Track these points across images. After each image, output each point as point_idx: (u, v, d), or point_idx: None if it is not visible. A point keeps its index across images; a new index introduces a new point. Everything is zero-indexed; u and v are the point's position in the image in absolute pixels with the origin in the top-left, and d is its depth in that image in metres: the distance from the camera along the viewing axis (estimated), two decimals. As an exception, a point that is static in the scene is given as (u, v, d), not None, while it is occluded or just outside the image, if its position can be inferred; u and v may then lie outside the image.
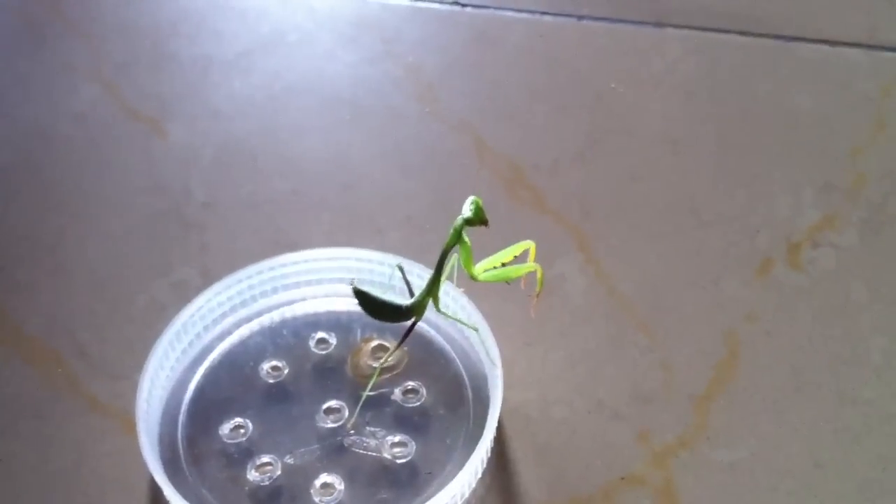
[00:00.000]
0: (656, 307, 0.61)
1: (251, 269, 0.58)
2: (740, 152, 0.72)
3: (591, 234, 0.66)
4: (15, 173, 0.72)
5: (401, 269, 0.54)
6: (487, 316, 0.55)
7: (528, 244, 0.50)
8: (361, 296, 0.51)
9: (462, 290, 0.55)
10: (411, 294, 0.52)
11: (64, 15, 0.84)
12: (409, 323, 0.53)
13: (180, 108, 0.75)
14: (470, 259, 0.50)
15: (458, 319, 0.54)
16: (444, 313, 0.53)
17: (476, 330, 0.54)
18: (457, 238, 0.49)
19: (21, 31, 0.83)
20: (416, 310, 0.52)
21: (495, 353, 0.52)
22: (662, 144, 0.72)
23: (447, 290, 0.55)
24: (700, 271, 0.63)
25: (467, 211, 0.48)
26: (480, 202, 0.48)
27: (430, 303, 0.52)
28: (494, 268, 0.50)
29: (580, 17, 0.81)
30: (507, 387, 0.53)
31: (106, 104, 0.75)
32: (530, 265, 0.50)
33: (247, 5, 0.84)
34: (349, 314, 0.59)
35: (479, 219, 0.48)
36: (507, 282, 0.51)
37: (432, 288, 0.51)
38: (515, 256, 0.50)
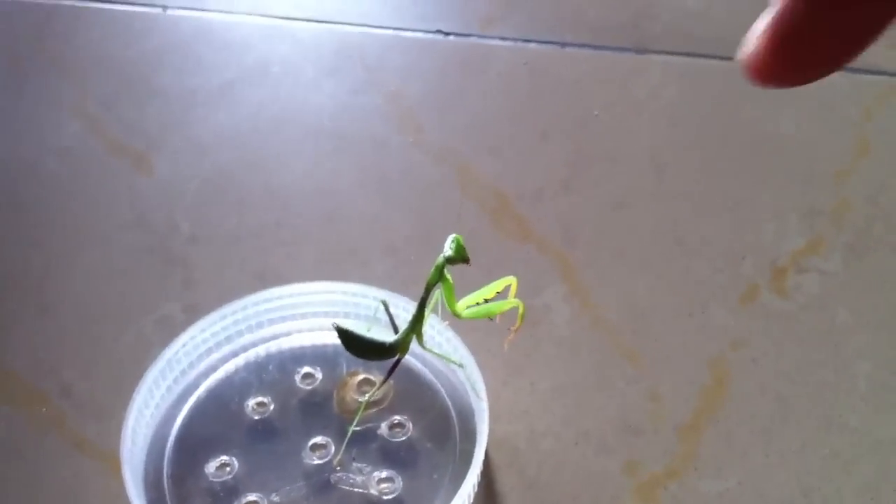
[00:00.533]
0: (642, 336, 0.61)
1: (236, 304, 0.58)
2: (724, 178, 0.72)
3: (576, 262, 0.66)
4: (3, 209, 0.71)
5: (385, 305, 0.53)
6: (473, 347, 0.54)
7: (510, 280, 0.50)
8: (344, 335, 0.51)
9: (447, 323, 0.55)
10: (395, 331, 0.52)
11: (47, 49, 0.84)
12: (394, 359, 0.53)
13: (165, 142, 0.75)
14: (452, 296, 0.50)
15: (442, 355, 0.54)
16: (428, 349, 0.53)
17: (461, 366, 0.53)
18: (438, 276, 0.49)
19: (4, 66, 0.83)
20: (399, 347, 0.52)
21: (481, 386, 0.52)
22: (646, 171, 0.72)
23: (432, 323, 0.55)
24: (686, 299, 0.63)
25: (448, 249, 0.48)
26: (461, 240, 0.48)
27: (415, 339, 0.52)
28: (477, 304, 0.50)
29: (563, 45, 0.82)
30: (494, 419, 0.53)
31: (90, 139, 0.75)
32: (512, 301, 0.50)
33: (231, 37, 0.84)
34: (335, 348, 0.58)
35: (460, 257, 0.48)
36: (490, 318, 0.51)
37: (416, 325, 0.51)
38: (498, 292, 0.50)
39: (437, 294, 0.51)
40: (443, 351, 0.55)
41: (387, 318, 0.54)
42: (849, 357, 0.60)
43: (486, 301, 0.50)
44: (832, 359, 0.60)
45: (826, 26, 0.22)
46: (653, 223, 0.69)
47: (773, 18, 0.22)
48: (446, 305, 0.50)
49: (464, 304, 0.51)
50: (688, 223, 0.68)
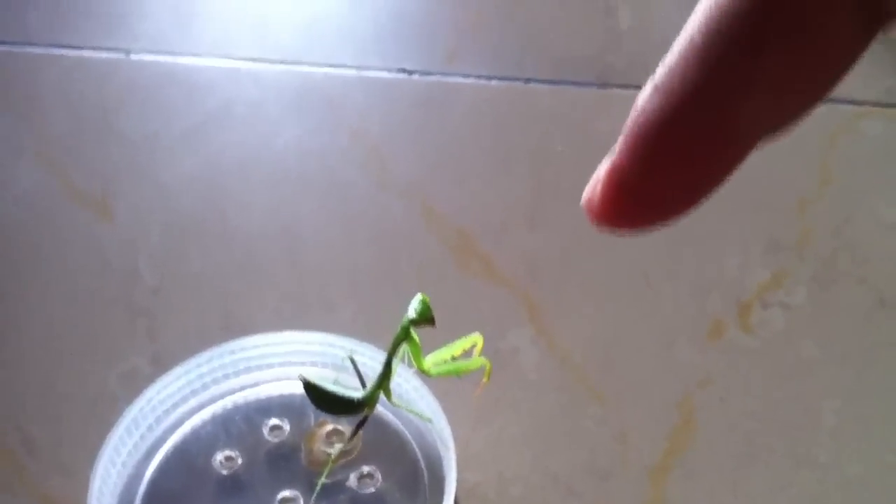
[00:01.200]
0: (609, 376, 0.61)
1: (201, 356, 0.57)
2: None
3: (542, 301, 0.66)
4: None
5: (352, 359, 0.53)
6: (440, 393, 0.54)
7: (477, 338, 0.50)
8: (312, 389, 0.51)
9: (413, 371, 0.55)
10: (363, 385, 0.52)
11: (7, 95, 0.83)
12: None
13: (127, 187, 0.75)
14: (419, 354, 0.49)
15: (410, 410, 0.54)
16: (396, 404, 0.52)
17: (430, 421, 0.53)
18: (404, 335, 0.48)
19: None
20: (367, 403, 0.51)
21: (448, 437, 0.52)
22: (611, 207, 0.72)
23: (400, 372, 0.55)
24: (652, 337, 0.63)
25: (412, 311, 0.47)
26: (428, 300, 0.47)
27: (383, 394, 0.51)
28: (444, 361, 0.50)
29: (526, 81, 0.82)
30: (463, 467, 0.53)
31: (50, 185, 0.75)
32: (479, 360, 0.50)
33: (194, 80, 0.83)
34: (302, 398, 0.58)
35: (424, 318, 0.47)
36: (458, 376, 0.51)
37: (383, 381, 0.51)
38: (464, 350, 0.50)
39: (404, 349, 0.51)
40: (410, 400, 0.55)
41: (352, 370, 0.54)
42: (816, 392, 0.60)
43: (454, 358, 0.50)
44: (799, 395, 0.60)
45: (661, 180, 0.22)
46: (617, 258, 0.69)
47: (610, 167, 0.22)
48: (413, 364, 0.50)
49: (431, 362, 0.50)
50: (652, 257, 0.69)
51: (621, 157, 0.22)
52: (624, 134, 0.22)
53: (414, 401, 0.55)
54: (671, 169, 0.21)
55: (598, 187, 0.22)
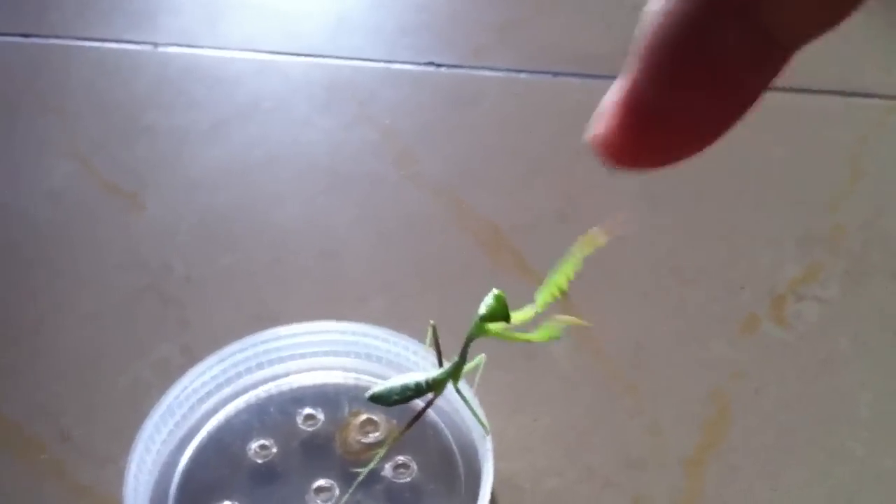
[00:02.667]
0: (643, 368, 0.61)
1: (234, 346, 0.57)
2: (719, 205, 0.72)
3: (575, 295, 0.65)
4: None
5: (434, 329, 0.51)
6: (476, 386, 0.54)
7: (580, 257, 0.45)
8: (381, 398, 0.50)
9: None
10: (440, 361, 0.50)
11: (37, 90, 0.83)
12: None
13: (157, 182, 0.75)
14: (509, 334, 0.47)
15: (471, 407, 0.52)
16: (459, 392, 0.51)
17: (487, 432, 0.51)
18: (477, 332, 0.46)
19: (-6, 106, 0.83)
20: (437, 385, 0.50)
21: (486, 429, 0.52)
22: (641, 201, 0.72)
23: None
24: (685, 330, 0.63)
25: (483, 308, 0.44)
26: (503, 296, 0.44)
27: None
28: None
29: (555, 74, 0.82)
30: (498, 457, 0.53)
31: (82, 180, 0.75)
32: (555, 330, 0.47)
33: (221, 74, 0.84)
34: (336, 387, 0.58)
35: (496, 315, 0.44)
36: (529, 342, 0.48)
37: (457, 369, 0.49)
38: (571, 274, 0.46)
39: (481, 360, 0.50)
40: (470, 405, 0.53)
41: (390, 358, 0.54)
42: (851, 385, 0.60)
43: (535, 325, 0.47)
44: (834, 387, 0.60)
45: (688, 94, 0.19)
46: (649, 253, 0.68)
47: (624, 88, 0.19)
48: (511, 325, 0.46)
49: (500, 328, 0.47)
50: (684, 253, 0.68)
51: (639, 73, 0.18)
52: (640, 44, 0.18)
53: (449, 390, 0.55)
54: (702, 78, 0.18)
55: (609, 116, 0.19)
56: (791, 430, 0.57)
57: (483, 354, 0.50)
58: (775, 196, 0.72)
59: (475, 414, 0.52)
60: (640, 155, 0.20)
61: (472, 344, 0.47)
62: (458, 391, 0.50)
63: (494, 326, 0.46)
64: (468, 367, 0.49)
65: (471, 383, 0.52)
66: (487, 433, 0.51)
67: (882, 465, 0.56)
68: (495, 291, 0.44)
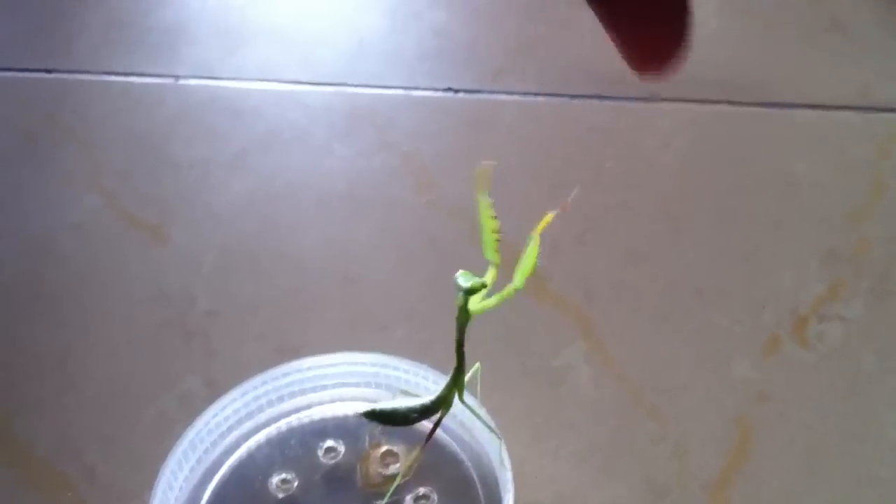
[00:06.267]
0: (665, 392, 0.61)
1: (256, 379, 0.58)
2: (740, 224, 0.71)
3: (596, 319, 0.65)
4: (19, 288, 0.72)
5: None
6: (496, 411, 0.54)
7: (537, 236, 0.48)
8: (378, 415, 0.50)
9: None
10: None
11: (61, 123, 0.84)
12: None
13: (180, 213, 0.76)
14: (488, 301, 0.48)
15: (480, 417, 0.53)
16: (466, 405, 0.51)
17: (499, 439, 0.52)
18: (465, 314, 0.47)
19: (17, 142, 0.84)
20: (442, 403, 0.50)
21: (505, 456, 0.52)
22: (661, 221, 0.72)
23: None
24: (708, 352, 0.63)
25: (465, 283, 0.46)
26: (468, 272, 0.46)
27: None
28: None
29: (572, 97, 0.82)
30: (519, 487, 0.53)
31: (106, 213, 0.76)
32: (527, 264, 0.48)
33: (242, 105, 0.84)
34: (356, 419, 0.58)
35: (480, 285, 0.46)
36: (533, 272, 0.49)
37: (457, 376, 0.49)
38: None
39: (477, 368, 0.50)
40: (465, 420, 0.55)
41: (412, 389, 0.54)
42: (876, 406, 0.59)
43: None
44: (859, 409, 0.59)
45: None
46: (670, 274, 0.68)
47: None
48: (499, 297, 0.47)
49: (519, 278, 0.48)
50: (705, 273, 0.68)
51: None
52: None
53: (470, 419, 0.55)
54: None
55: None
56: (816, 452, 0.57)
57: (478, 363, 0.50)
58: (797, 214, 0.72)
59: (484, 422, 0.52)
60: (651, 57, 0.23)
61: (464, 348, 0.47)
62: (463, 402, 0.50)
63: (475, 305, 0.46)
64: (470, 374, 0.50)
65: (474, 393, 0.52)
66: (500, 438, 0.51)
67: (909, 487, 0.55)
68: (460, 272, 0.46)
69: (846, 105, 0.79)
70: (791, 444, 0.57)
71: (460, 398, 0.50)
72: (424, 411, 0.51)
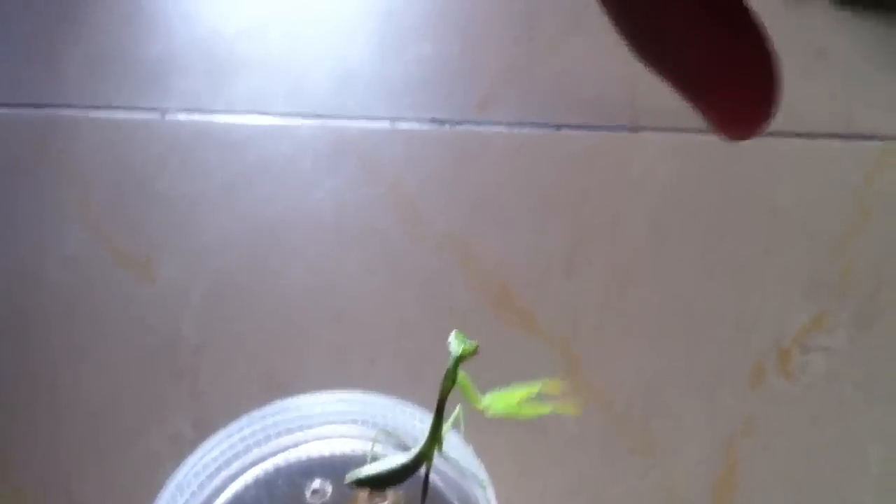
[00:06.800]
0: (652, 426, 0.61)
1: (243, 420, 0.58)
2: (725, 253, 0.72)
3: (583, 350, 0.66)
4: (7, 323, 0.72)
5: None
6: (482, 449, 0.54)
7: (536, 388, 0.49)
8: (366, 481, 0.50)
9: (455, 429, 0.54)
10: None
11: (50, 158, 0.84)
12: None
13: (169, 247, 0.76)
14: (472, 392, 0.49)
15: (462, 467, 0.53)
16: (447, 457, 0.52)
17: (484, 488, 0.52)
18: (452, 380, 0.47)
19: (7, 175, 0.84)
20: (423, 458, 0.50)
21: (492, 496, 0.52)
22: (647, 250, 0.72)
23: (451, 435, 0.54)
24: (693, 385, 0.63)
25: (457, 347, 0.47)
26: (462, 334, 0.47)
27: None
28: (507, 402, 0.48)
29: (558, 127, 0.82)
30: (506, 525, 0.53)
31: (95, 246, 0.76)
32: (543, 408, 0.49)
33: (230, 138, 0.85)
34: (343, 458, 0.58)
35: (472, 350, 0.47)
36: (518, 417, 0.49)
37: (435, 432, 0.50)
38: (523, 397, 0.49)
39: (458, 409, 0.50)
40: (451, 458, 0.55)
41: (393, 428, 0.54)
42: (860, 438, 0.59)
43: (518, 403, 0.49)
44: (843, 440, 0.59)
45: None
46: (656, 303, 0.69)
47: None
48: (470, 403, 0.48)
49: (491, 402, 0.49)
50: (691, 302, 0.68)
51: None
52: None
53: (458, 459, 0.55)
54: None
55: None
56: (800, 484, 0.57)
57: (459, 406, 0.50)
58: (782, 241, 0.72)
59: (466, 471, 0.52)
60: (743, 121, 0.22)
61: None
62: (442, 456, 0.51)
63: (487, 407, 0.47)
64: (448, 425, 0.50)
65: (459, 433, 0.52)
66: (484, 487, 0.52)
67: (894, 520, 0.56)
68: (455, 332, 0.46)
69: (831, 133, 0.79)
70: (776, 476, 0.58)
71: (440, 451, 0.51)
72: (408, 469, 0.51)
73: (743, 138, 0.22)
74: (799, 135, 0.79)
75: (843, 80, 0.83)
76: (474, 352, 0.46)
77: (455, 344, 0.47)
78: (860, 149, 0.78)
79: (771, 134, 0.79)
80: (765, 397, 0.62)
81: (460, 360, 0.47)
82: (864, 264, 0.70)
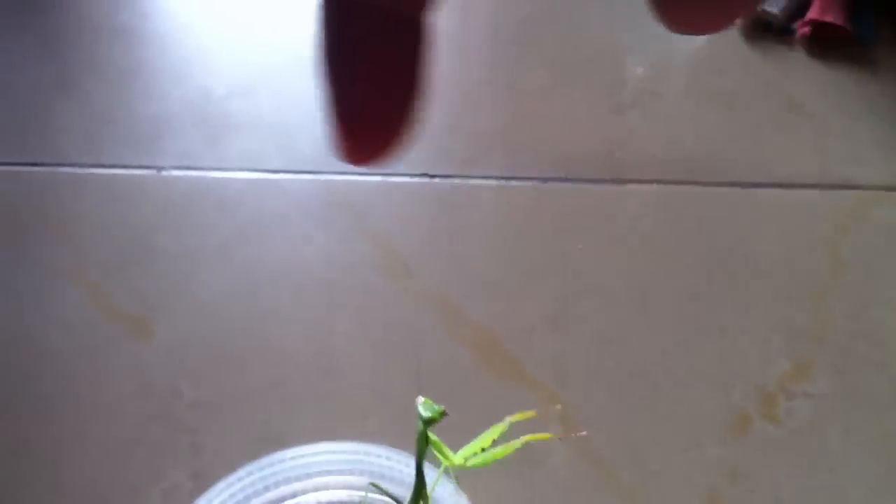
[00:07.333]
0: (640, 472, 0.63)
1: (241, 471, 0.59)
2: (707, 304, 0.74)
3: (570, 401, 0.67)
4: (7, 385, 0.73)
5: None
6: (474, 495, 0.56)
7: (504, 425, 0.50)
8: None
9: (447, 475, 0.56)
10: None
11: (45, 217, 0.86)
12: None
13: (165, 305, 0.77)
14: (446, 452, 0.50)
15: None
16: None
17: None
18: (425, 441, 0.49)
19: (4, 235, 0.86)
20: None
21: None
22: (631, 302, 0.74)
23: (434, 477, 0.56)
24: (680, 432, 0.65)
25: (424, 412, 0.48)
26: (429, 400, 0.49)
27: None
28: (476, 453, 0.50)
29: (544, 180, 0.85)
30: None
31: (92, 307, 0.77)
32: (515, 444, 0.50)
33: (224, 194, 0.86)
34: (339, 507, 0.60)
35: (437, 414, 0.48)
36: (490, 464, 0.51)
37: (420, 491, 0.52)
38: (493, 440, 0.51)
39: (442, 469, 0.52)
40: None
41: (381, 480, 0.56)
42: (843, 482, 0.61)
43: (484, 450, 0.51)
44: (827, 484, 0.61)
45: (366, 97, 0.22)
46: (641, 355, 0.70)
47: (329, 109, 0.22)
48: (444, 462, 0.50)
49: (462, 455, 0.51)
50: (675, 353, 0.70)
51: (327, 90, 0.22)
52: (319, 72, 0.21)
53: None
54: (367, 71, 0.21)
55: (332, 134, 0.22)
56: (785, 528, 0.59)
57: (444, 465, 0.52)
58: (762, 291, 0.75)
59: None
60: (365, 153, 0.22)
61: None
62: None
63: (461, 456, 0.49)
64: (438, 477, 0.52)
65: (452, 481, 0.54)
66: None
67: (877, 560, 0.57)
68: (421, 398, 0.48)
69: (806, 184, 0.82)
70: (762, 520, 0.59)
71: None
72: None
73: (359, 164, 0.22)
74: (776, 185, 0.82)
75: (818, 132, 0.85)
76: (441, 416, 0.48)
77: (423, 409, 0.48)
78: (835, 197, 0.81)
79: (749, 185, 0.81)
80: (750, 442, 0.64)
81: (428, 424, 0.48)
82: (843, 313, 0.72)
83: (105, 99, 0.94)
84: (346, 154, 0.22)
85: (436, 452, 0.51)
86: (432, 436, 0.49)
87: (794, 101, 0.87)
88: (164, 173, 0.88)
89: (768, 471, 0.62)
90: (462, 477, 0.57)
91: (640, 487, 0.62)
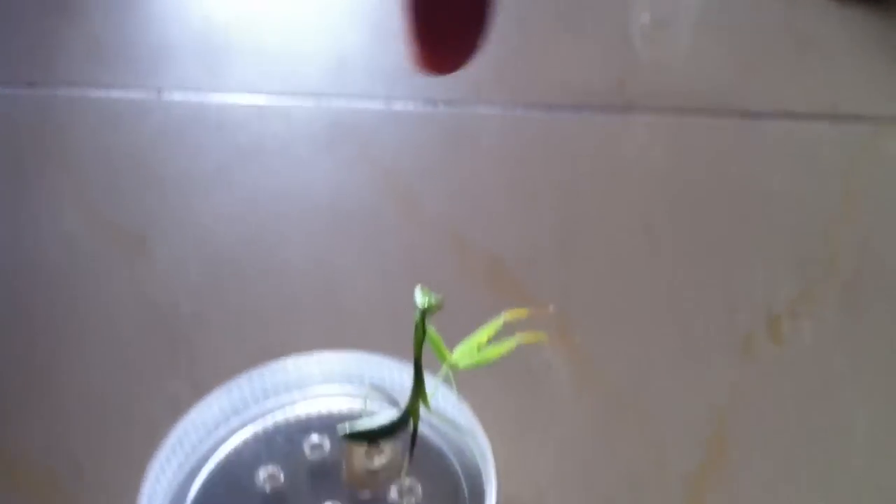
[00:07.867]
0: (644, 390, 0.62)
1: (241, 378, 0.58)
2: (715, 233, 0.73)
3: (574, 322, 0.67)
4: (6, 304, 0.72)
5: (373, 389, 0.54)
6: (477, 406, 0.55)
7: (499, 322, 0.49)
8: (358, 436, 0.52)
9: (447, 385, 0.55)
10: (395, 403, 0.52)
11: (45, 140, 0.85)
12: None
13: (165, 226, 0.77)
14: (442, 348, 0.50)
15: (450, 420, 0.55)
16: (435, 413, 0.53)
17: (466, 431, 0.54)
18: (422, 332, 0.49)
19: (2, 157, 0.85)
20: (409, 416, 0.52)
21: (487, 450, 0.53)
22: (638, 229, 0.74)
23: (436, 385, 0.55)
24: (684, 351, 0.64)
25: (422, 302, 0.48)
26: (427, 289, 0.48)
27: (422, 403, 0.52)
28: (472, 352, 0.50)
29: (550, 108, 0.84)
30: (502, 478, 0.54)
31: (90, 226, 0.76)
32: (508, 343, 0.50)
33: (225, 117, 0.85)
34: (340, 415, 0.59)
35: (436, 304, 0.47)
36: (488, 364, 0.51)
37: (418, 388, 0.51)
38: (490, 337, 0.50)
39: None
40: (447, 414, 0.56)
41: (382, 386, 0.56)
42: (848, 404, 0.61)
43: (481, 349, 0.50)
44: (832, 406, 0.60)
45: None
46: (647, 279, 0.70)
47: (406, 22, 0.24)
48: (438, 360, 0.50)
49: (458, 355, 0.50)
50: (682, 278, 0.69)
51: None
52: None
53: (451, 415, 0.56)
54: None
55: (407, 43, 0.24)
56: (789, 449, 0.58)
57: (445, 365, 0.51)
58: (770, 222, 0.74)
59: (464, 426, 0.53)
60: (438, 61, 0.24)
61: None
62: (435, 412, 0.52)
63: (457, 356, 0.48)
64: (437, 382, 0.51)
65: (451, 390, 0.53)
66: (477, 440, 0.53)
67: (881, 483, 0.57)
68: (419, 286, 0.47)
69: (818, 115, 0.81)
70: (766, 440, 0.59)
71: (427, 408, 0.52)
72: (397, 424, 0.52)
73: (440, 74, 0.25)
74: (786, 116, 0.81)
75: (830, 65, 0.85)
76: (440, 306, 0.47)
77: (420, 298, 0.47)
78: (846, 131, 0.80)
79: (759, 115, 0.80)
80: (755, 363, 0.63)
81: (425, 313, 0.47)
82: (851, 243, 0.72)
83: (105, 23, 0.93)
84: (426, 64, 0.24)
85: (433, 349, 0.50)
86: (431, 330, 0.49)
87: (806, 36, 0.86)
88: (165, 95, 0.87)
89: (772, 391, 0.61)
90: (464, 385, 0.56)
91: (644, 403, 0.61)
